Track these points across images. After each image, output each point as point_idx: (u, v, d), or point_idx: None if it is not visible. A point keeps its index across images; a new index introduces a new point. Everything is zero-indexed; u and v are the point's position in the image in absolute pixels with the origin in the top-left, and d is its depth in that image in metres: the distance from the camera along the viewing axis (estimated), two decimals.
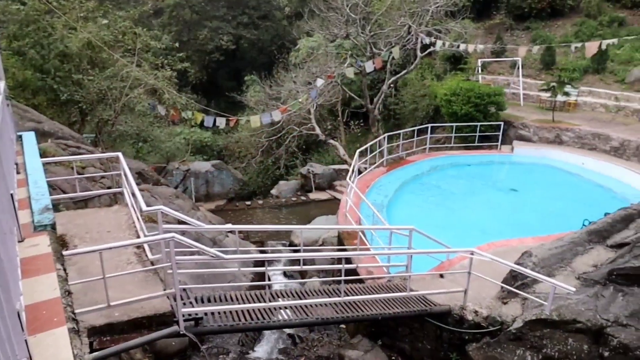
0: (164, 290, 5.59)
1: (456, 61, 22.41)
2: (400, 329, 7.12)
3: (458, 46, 18.05)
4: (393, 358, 7.05)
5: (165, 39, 21.16)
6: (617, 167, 14.51)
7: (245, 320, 5.86)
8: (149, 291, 5.47)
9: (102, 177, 9.38)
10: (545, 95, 19.04)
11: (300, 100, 17.45)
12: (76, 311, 4.70)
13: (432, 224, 10.87)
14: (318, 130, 21.03)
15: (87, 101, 13.31)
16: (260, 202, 18.03)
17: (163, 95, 14.61)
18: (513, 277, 6.72)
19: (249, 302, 6.19)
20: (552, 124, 17.35)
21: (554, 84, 18.24)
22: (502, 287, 6.70)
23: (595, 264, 6.45)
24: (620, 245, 6.65)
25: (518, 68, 21.42)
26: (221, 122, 15.45)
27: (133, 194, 6.81)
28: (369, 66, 17.12)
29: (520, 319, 5.78)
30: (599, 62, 21.06)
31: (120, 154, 7.93)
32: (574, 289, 5.68)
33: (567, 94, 18.67)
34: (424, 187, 14.10)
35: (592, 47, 14.64)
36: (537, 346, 5.45)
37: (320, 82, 17.39)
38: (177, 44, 18.33)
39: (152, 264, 6.23)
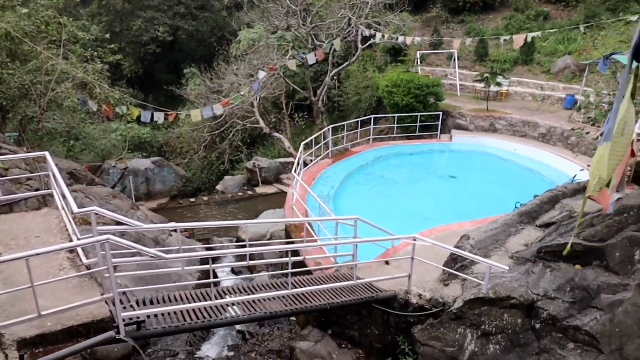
0: (102, 295, 5.31)
1: (396, 53, 22.95)
2: (349, 317, 7.24)
3: (397, 38, 18.47)
4: (343, 346, 7.16)
5: (94, 29, 19.91)
6: (545, 152, 15.58)
7: (191, 319, 5.70)
8: (85, 297, 5.17)
9: (29, 178, 8.70)
10: (480, 85, 20.02)
11: (242, 93, 17.12)
12: (1, 323, 4.37)
13: (377, 213, 11.15)
14: (262, 124, 20.79)
15: (7, 97, 12.22)
16: (205, 198, 17.58)
17: (94, 89, 13.72)
18: (453, 260, 7.03)
19: (195, 301, 6.03)
20: (486, 113, 18.29)
21: (487, 74, 19.21)
22: (443, 270, 6.99)
23: (526, 243, 6.89)
24: (547, 225, 7.14)
25: (454, 60, 22.35)
26: (159, 117, 14.82)
27: (63, 196, 6.39)
28: (311, 58, 17.12)
29: (460, 299, 6.06)
30: (527, 53, 22.45)
31: (47, 153, 7.41)
32: (507, 268, 6.03)
33: (499, 84, 19.74)
34: (369, 177, 14.39)
35: (519, 40, 15.56)
36: (476, 323, 5.76)
37: (262, 74, 17.16)
38: (108, 35, 17.20)
39: (88, 268, 5.90)
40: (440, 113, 17.88)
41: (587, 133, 13.45)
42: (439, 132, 17.93)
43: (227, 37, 27.53)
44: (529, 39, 16.00)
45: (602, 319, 5.12)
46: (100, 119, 18.49)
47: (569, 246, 5.43)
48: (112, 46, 15.65)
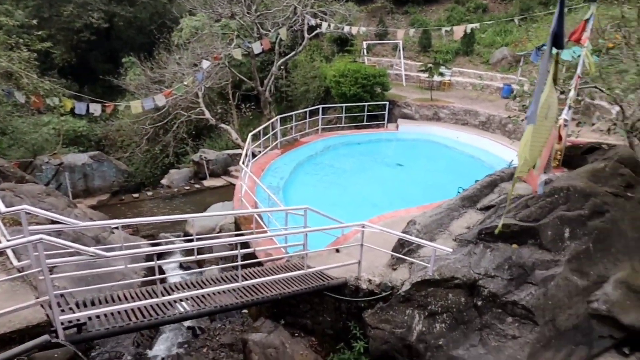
0: (37, 298, 4.98)
1: (343, 43, 23.08)
2: (301, 306, 7.27)
3: (343, 28, 18.56)
4: (296, 335, 7.19)
5: (19, 14, 18.36)
6: (485, 139, 16.34)
7: (137, 318, 5.48)
8: (18, 302, 4.83)
9: None
10: (424, 75, 20.59)
11: (185, 83, 16.53)
12: None
13: (327, 202, 11.23)
14: (208, 115, 20.24)
15: None
16: (150, 193, 16.91)
17: (21, 79, 12.68)
18: (401, 245, 7.24)
19: (141, 300, 5.79)
20: (430, 102, 18.87)
21: (430, 65, 19.78)
22: (392, 255, 7.18)
23: (468, 226, 7.21)
24: (487, 208, 7.51)
25: (399, 50, 22.82)
26: (96, 108, 13.98)
27: None
28: (257, 47, 16.81)
29: (408, 282, 6.25)
30: (467, 45, 23.35)
31: None
32: (451, 250, 6.29)
33: (442, 74, 20.39)
34: (318, 167, 14.45)
35: (459, 31, 16.12)
36: (423, 304, 5.96)
37: (206, 64, 16.64)
38: (35, 21, 15.96)
39: (20, 271, 5.50)
40: (387, 103, 18.24)
41: (522, 120, 14.19)
42: (386, 122, 18.29)
43: (168, 25, 26.36)
44: (468, 30, 16.62)
45: (536, 294, 5.47)
46: (30, 112, 17.18)
47: (499, 226, 5.76)
48: (40, 33, 14.53)
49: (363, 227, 6.85)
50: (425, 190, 12.35)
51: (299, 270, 6.84)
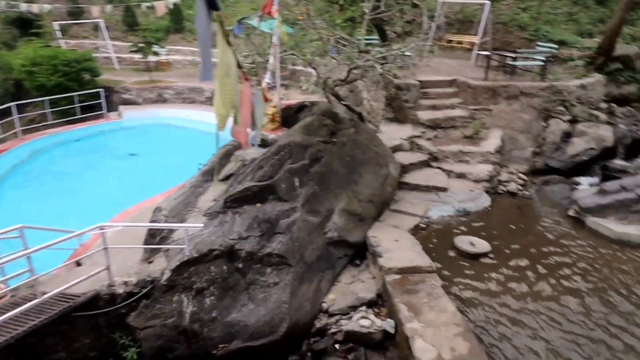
0: None
1: (25, 25, 19.18)
2: (47, 341, 6.03)
3: (19, 6, 15.34)
4: None
5: None
6: (214, 114, 16.80)
7: None
8: None
9: None
10: (138, 56, 19.34)
11: None
12: None
13: (54, 214, 9.59)
14: None
15: None
16: None
17: None
18: (151, 235, 6.83)
19: None
20: (151, 85, 17.96)
21: (141, 44, 18.68)
22: (144, 249, 6.71)
23: (214, 199, 7.37)
24: (228, 177, 7.84)
25: (102, 30, 20.59)
26: None
27: None
28: None
29: (167, 270, 5.98)
30: (176, 22, 23.02)
31: None
32: (202, 225, 6.32)
33: (156, 53, 19.58)
34: (30, 177, 11.98)
35: (160, 7, 15.67)
36: (189, 285, 5.83)
37: None
38: None
39: None
40: (102, 90, 16.40)
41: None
42: (105, 111, 16.50)
43: None
44: (171, 6, 16.34)
45: (285, 240, 6.12)
46: None
47: (221, 186, 6.23)
48: None
49: (102, 228, 6.09)
50: (166, 175, 11.87)
51: (30, 301, 5.60)
